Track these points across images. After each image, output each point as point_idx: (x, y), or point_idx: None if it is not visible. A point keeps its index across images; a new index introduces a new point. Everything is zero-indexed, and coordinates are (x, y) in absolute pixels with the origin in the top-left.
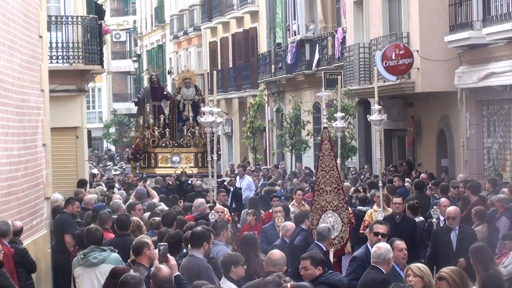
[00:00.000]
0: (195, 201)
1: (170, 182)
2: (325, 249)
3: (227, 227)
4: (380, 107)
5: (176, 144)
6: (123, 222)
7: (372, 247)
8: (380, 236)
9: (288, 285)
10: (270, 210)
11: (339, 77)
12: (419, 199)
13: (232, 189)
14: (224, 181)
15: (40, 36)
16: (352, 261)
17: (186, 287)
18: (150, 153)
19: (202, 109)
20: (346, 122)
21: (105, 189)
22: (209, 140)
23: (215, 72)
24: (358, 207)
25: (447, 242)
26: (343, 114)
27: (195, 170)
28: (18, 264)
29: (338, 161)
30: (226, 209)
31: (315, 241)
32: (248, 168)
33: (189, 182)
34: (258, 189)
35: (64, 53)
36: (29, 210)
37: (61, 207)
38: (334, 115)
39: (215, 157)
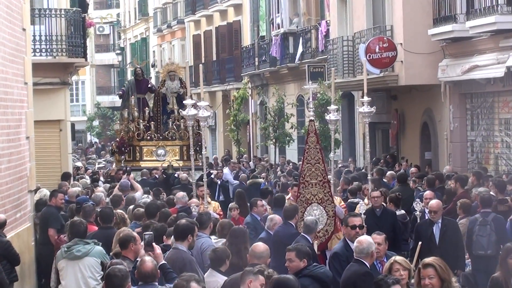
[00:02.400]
0: (177, 194)
1: (157, 176)
2: (311, 242)
3: (211, 219)
4: (369, 99)
5: (161, 137)
6: (107, 215)
7: (350, 241)
8: (357, 228)
9: (268, 271)
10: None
11: (321, 70)
12: (402, 192)
13: (219, 182)
14: (211, 174)
15: (24, 29)
16: (334, 258)
17: (172, 276)
18: (135, 146)
19: (185, 102)
20: (339, 115)
21: (88, 182)
22: (191, 134)
23: (200, 65)
24: (349, 199)
25: (430, 235)
26: (336, 106)
27: (180, 163)
28: (2, 257)
29: (330, 154)
30: (217, 204)
31: (302, 233)
32: (232, 161)
33: (176, 175)
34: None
35: (48, 46)
36: (12, 203)
37: (45, 201)
38: (328, 107)
39: (204, 151)
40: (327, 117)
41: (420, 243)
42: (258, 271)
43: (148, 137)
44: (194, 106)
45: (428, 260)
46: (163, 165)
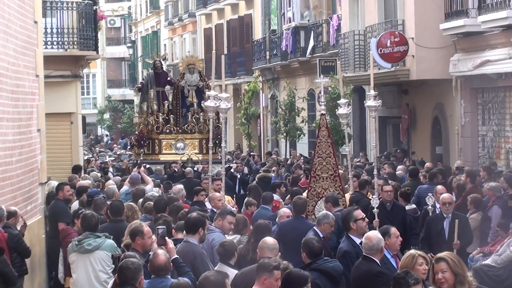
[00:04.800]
0: (173, 187)
1: (176, 169)
2: (322, 235)
3: (225, 216)
4: (376, 93)
5: (180, 130)
6: (117, 208)
7: (356, 236)
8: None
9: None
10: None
11: (333, 64)
12: (413, 187)
13: (239, 175)
14: (231, 167)
15: (35, 22)
16: (344, 257)
17: (185, 270)
18: (154, 139)
19: (207, 93)
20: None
21: (99, 175)
22: (211, 126)
23: (222, 56)
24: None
25: (440, 230)
26: (347, 100)
27: (200, 157)
28: (12, 250)
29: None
30: (229, 198)
31: (313, 227)
32: (243, 155)
33: (195, 169)
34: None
35: (59, 39)
36: (23, 195)
37: (54, 193)
38: (338, 102)
39: (223, 144)
40: (337, 112)
41: None
42: (273, 267)
43: (167, 130)
44: (215, 98)
45: (440, 254)
46: (182, 158)
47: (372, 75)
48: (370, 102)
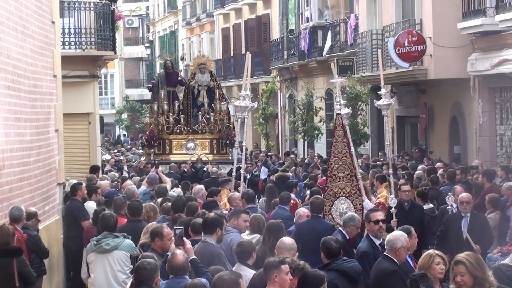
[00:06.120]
0: (194, 187)
1: (186, 169)
2: (348, 237)
3: (240, 215)
4: (387, 91)
5: (191, 131)
6: (135, 208)
7: (374, 237)
8: (380, 223)
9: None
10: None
11: (350, 64)
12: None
13: (248, 176)
14: (240, 168)
15: (53, 22)
16: (362, 257)
17: (203, 271)
18: (164, 139)
19: (238, 93)
20: (349, 109)
21: (117, 175)
22: (239, 126)
23: (248, 54)
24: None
25: (457, 229)
26: (387, 90)
27: (210, 157)
28: (30, 250)
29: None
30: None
31: (339, 228)
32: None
33: (205, 169)
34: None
35: (77, 39)
36: (41, 195)
37: (70, 193)
38: (378, 92)
39: (244, 143)
40: (376, 103)
41: None
42: (279, 262)
43: (178, 131)
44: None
45: (459, 256)
46: (191, 158)
47: (382, 74)
48: (380, 101)
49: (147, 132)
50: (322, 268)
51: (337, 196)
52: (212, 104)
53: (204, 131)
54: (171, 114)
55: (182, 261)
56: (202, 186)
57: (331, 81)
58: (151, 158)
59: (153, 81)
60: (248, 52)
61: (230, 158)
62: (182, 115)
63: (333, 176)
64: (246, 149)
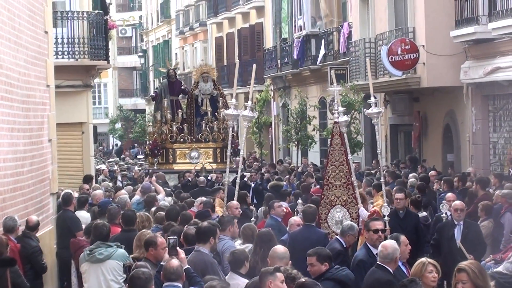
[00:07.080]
0: (198, 199)
1: (190, 178)
2: (345, 246)
3: (233, 222)
4: (376, 99)
5: (194, 140)
6: (129, 218)
7: (372, 246)
8: (380, 232)
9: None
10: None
11: (343, 72)
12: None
13: (253, 185)
14: (244, 176)
15: (46, 32)
16: (359, 265)
17: (196, 280)
18: (168, 148)
19: (229, 101)
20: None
21: (110, 184)
22: (230, 134)
23: (254, 65)
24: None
25: (451, 237)
26: (377, 99)
27: (214, 166)
28: (26, 260)
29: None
30: (220, 201)
31: (336, 237)
32: (256, 163)
33: (209, 178)
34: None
35: (70, 49)
36: (35, 205)
37: (61, 204)
38: (368, 101)
39: (241, 152)
40: (366, 112)
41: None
42: (274, 269)
43: (181, 140)
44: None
45: (462, 264)
46: (196, 167)
47: (371, 83)
48: (370, 110)
49: (151, 142)
50: (319, 277)
51: (334, 204)
52: (216, 113)
53: (207, 140)
54: (174, 123)
55: (176, 265)
56: (204, 198)
57: (330, 89)
58: (155, 167)
59: (156, 90)
60: (254, 65)
61: (234, 167)
62: (185, 124)
63: (329, 184)
64: (244, 158)
